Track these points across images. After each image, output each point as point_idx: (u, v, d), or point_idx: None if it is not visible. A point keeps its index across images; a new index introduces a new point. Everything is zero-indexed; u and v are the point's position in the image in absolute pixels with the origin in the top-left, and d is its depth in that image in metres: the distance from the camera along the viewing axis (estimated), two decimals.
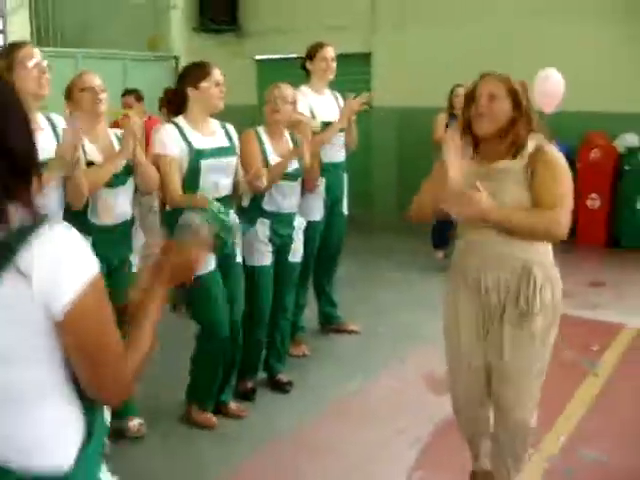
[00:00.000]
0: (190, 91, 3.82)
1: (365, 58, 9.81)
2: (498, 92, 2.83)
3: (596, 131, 8.26)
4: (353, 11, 9.99)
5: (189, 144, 3.80)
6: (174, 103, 3.92)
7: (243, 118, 6.03)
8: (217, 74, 3.84)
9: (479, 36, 8.91)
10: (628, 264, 7.56)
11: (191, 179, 3.81)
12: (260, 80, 11.11)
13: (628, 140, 8.18)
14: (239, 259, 4.10)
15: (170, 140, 3.77)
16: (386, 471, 3.62)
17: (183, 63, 10.70)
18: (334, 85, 5.25)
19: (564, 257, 6.72)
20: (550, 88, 6.31)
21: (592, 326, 5.66)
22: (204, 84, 3.80)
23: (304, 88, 4.96)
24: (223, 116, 4.00)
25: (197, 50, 10.80)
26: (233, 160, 3.98)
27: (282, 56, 10.73)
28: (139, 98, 7.09)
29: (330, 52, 4.96)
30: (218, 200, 3.79)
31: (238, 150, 4.06)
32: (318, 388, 4.58)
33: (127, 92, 7.32)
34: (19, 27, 8.60)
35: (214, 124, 3.99)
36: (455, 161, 2.85)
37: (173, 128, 3.82)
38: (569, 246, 7.88)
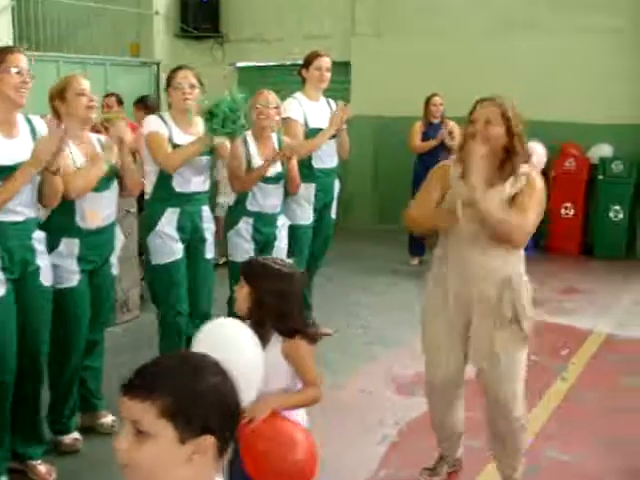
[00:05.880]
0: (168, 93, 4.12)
1: (344, 67, 9.95)
2: (493, 117, 2.99)
3: (571, 142, 8.48)
4: (332, 21, 10.14)
5: (169, 137, 4.02)
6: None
7: None
8: (180, 76, 4.02)
9: (455, 46, 9.10)
10: (601, 272, 7.74)
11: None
12: (240, 87, 11.19)
13: (602, 151, 8.42)
14: (209, 255, 4.24)
15: (158, 124, 4.02)
16: (354, 466, 3.73)
17: (164, 69, 10.78)
18: None
19: (540, 265, 6.91)
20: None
21: (563, 332, 5.78)
22: (170, 88, 4.07)
23: (299, 95, 5.09)
24: None
25: (179, 56, 10.85)
26: (207, 159, 4.14)
27: (262, 64, 10.87)
28: (120, 101, 7.17)
29: (325, 62, 5.11)
30: (188, 194, 4.04)
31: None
32: None
33: (109, 94, 7.36)
34: (2, 30, 8.57)
35: (200, 123, 4.12)
36: (479, 168, 2.96)
37: (158, 118, 4.09)
38: (544, 253, 8.11)
